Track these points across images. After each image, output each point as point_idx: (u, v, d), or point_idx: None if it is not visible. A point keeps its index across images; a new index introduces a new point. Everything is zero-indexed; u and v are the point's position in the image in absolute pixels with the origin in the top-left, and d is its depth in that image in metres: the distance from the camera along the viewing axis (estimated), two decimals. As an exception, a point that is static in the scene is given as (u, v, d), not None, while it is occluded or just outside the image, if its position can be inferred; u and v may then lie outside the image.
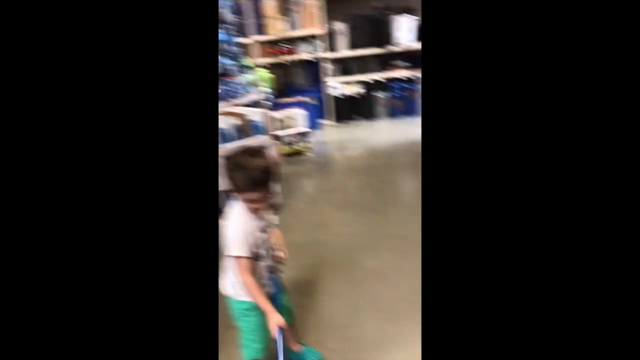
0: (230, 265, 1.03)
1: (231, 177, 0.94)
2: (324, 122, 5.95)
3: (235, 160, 0.94)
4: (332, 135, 5.21)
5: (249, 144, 1.04)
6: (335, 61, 5.76)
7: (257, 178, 0.91)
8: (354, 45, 5.49)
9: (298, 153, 4.18)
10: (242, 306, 1.05)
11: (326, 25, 5.45)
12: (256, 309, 1.03)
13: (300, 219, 2.45)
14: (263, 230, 1.04)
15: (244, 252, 0.97)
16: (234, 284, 1.04)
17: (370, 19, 5.29)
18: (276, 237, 1.12)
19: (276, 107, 4.97)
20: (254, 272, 1.01)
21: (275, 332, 0.98)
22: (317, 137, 4.75)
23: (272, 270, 1.10)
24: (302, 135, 4.18)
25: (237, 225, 0.99)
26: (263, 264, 1.05)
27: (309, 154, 4.13)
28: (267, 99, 4.56)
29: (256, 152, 0.96)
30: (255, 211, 1.00)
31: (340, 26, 5.48)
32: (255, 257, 1.01)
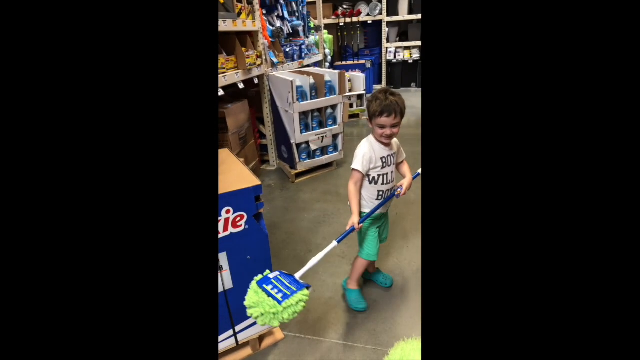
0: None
1: (369, 107, 1.25)
2: (379, 86, 5.99)
3: (374, 95, 1.25)
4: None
5: (385, 87, 1.27)
6: (395, 25, 5.69)
7: (386, 105, 1.19)
8: (414, 8, 5.38)
9: (356, 115, 4.36)
10: (361, 215, 1.35)
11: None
12: (371, 225, 1.36)
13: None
14: (388, 159, 1.29)
15: (357, 166, 1.26)
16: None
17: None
18: (405, 170, 1.37)
19: (335, 68, 5.10)
20: (361, 184, 1.30)
21: (348, 227, 1.26)
22: (372, 101, 4.81)
23: (385, 194, 1.34)
24: (359, 98, 4.32)
25: (362, 147, 1.28)
26: (381, 186, 1.31)
27: (365, 117, 4.30)
28: (327, 61, 4.70)
29: (388, 91, 1.24)
30: (383, 141, 1.26)
31: (403, -12, 5.36)
32: (366, 175, 1.28)
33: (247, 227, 1.08)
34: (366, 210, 1.34)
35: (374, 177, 1.31)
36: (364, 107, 4.30)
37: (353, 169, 1.29)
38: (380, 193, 1.33)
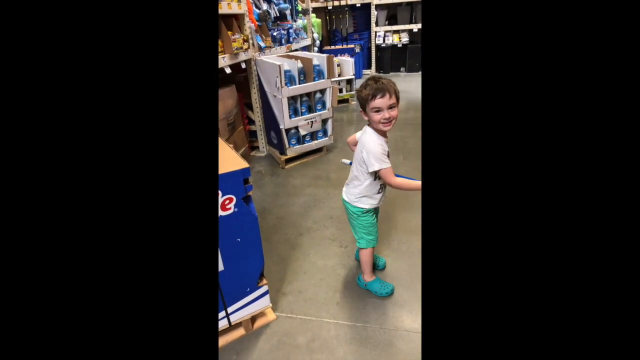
0: (353, 177, 1.31)
1: (360, 96, 1.16)
2: (368, 71, 5.96)
3: (363, 84, 1.18)
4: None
5: (374, 75, 1.18)
6: (384, 8, 5.62)
7: (378, 86, 1.13)
8: (403, -9, 5.32)
9: (345, 100, 4.34)
10: (357, 210, 1.35)
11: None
12: (369, 212, 1.35)
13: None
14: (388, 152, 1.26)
15: (384, 165, 1.18)
16: (351, 193, 1.34)
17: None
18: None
19: (324, 53, 5.04)
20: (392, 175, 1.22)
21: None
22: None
23: (385, 187, 1.33)
24: (349, 83, 4.30)
25: (372, 144, 1.19)
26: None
27: (354, 102, 4.29)
28: (316, 45, 4.63)
29: (378, 77, 1.18)
30: (382, 127, 1.17)
31: (391, -30, 5.27)
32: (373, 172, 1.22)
33: (236, 209, 1.09)
34: (372, 204, 1.34)
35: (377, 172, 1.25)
36: (353, 92, 4.29)
37: (381, 170, 1.20)
38: (382, 186, 1.33)
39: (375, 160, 1.20)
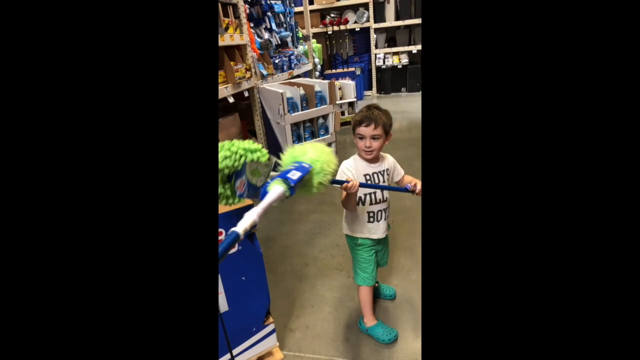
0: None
1: (353, 120, 1.21)
2: (369, 92, 6.03)
3: (360, 110, 1.21)
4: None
5: (371, 104, 1.23)
6: (382, 31, 5.74)
7: (368, 115, 1.15)
8: (401, 14, 5.43)
9: (347, 123, 4.37)
10: (349, 239, 1.32)
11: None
12: (363, 246, 1.28)
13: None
14: (374, 176, 1.21)
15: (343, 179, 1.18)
16: (345, 221, 1.30)
17: (420, -13, 5.18)
18: (409, 179, 1.25)
19: (325, 77, 5.12)
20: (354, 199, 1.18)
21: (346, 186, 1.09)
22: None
23: (377, 216, 1.26)
24: (350, 105, 4.33)
25: (345, 162, 1.23)
26: (370, 206, 1.23)
27: (356, 124, 4.31)
28: (317, 70, 4.71)
29: (374, 106, 1.20)
30: (364, 156, 1.19)
31: (389, -5, 5.42)
32: (348, 194, 1.14)
33: (240, 248, 1.06)
34: (363, 235, 1.28)
35: (360, 197, 1.23)
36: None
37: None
38: (371, 215, 1.25)
39: (338, 175, 1.20)
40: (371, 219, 1.26)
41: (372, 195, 1.24)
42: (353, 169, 1.22)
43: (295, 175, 0.74)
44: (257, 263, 1.12)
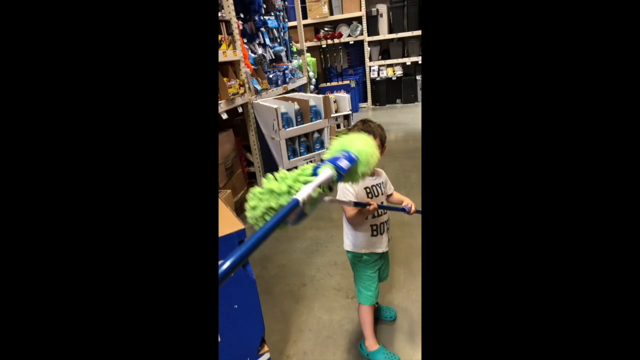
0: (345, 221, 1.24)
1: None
2: (365, 104, 6.04)
3: (352, 126, 1.19)
4: (373, 118, 5.30)
5: (364, 118, 1.24)
6: (376, 44, 5.79)
7: (365, 128, 1.15)
8: (394, 28, 5.48)
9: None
10: (350, 255, 1.28)
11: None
12: (367, 261, 1.25)
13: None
14: (374, 189, 1.20)
15: (344, 197, 1.16)
16: (348, 238, 1.26)
17: (410, 0, 5.24)
18: (399, 198, 1.29)
19: (320, 90, 5.13)
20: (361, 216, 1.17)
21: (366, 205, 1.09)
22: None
23: (380, 228, 1.24)
24: (346, 118, 4.33)
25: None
26: (373, 219, 1.21)
27: (352, 137, 4.29)
28: (312, 83, 4.72)
29: (367, 120, 1.21)
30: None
31: (381, 8, 5.48)
32: (361, 209, 1.15)
33: (232, 274, 1.01)
34: (367, 250, 1.25)
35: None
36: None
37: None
38: (375, 228, 1.23)
39: (340, 191, 1.18)
40: (374, 232, 1.24)
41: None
42: (354, 185, 1.19)
43: (343, 163, 0.77)
44: (250, 290, 1.07)
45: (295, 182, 0.74)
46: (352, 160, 0.78)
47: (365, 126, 1.17)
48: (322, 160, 0.79)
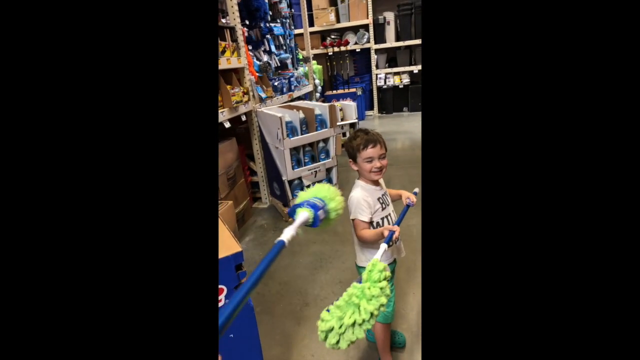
0: (354, 236, 1.19)
1: (350, 147, 1.16)
2: (371, 113, 5.97)
3: (352, 135, 1.18)
4: (380, 126, 5.22)
5: (363, 128, 1.20)
6: (383, 51, 5.73)
7: (369, 137, 1.13)
8: (401, 35, 5.43)
9: (348, 144, 4.28)
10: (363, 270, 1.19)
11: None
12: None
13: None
14: (384, 198, 1.18)
15: (358, 215, 1.13)
16: (364, 254, 1.19)
17: (417, 8, 5.19)
18: (396, 192, 1.26)
19: (326, 98, 5.07)
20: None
21: (386, 233, 1.04)
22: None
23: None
24: (352, 126, 4.25)
25: (355, 194, 1.15)
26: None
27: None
28: (318, 91, 4.66)
29: (366, 129, 1.18)
30: (373, 177, 1.15)
31: (388, 16, 5.43)
32: (369, 223, 1.15)
33: (227, 301, 0.92)
34: (386, 261, 1.18)
35: (378, 222, 1.16)
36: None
37: (354, 220, 1.14)
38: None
39: (353, 208, 1.16)
40: (391, 243, 1.16)
41: (388, 218, 1.19)
42: (369, 198, 1.15)
43: (318, 203, 0.82)
44: (248, 318, 0.98)
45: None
46: (323, 203, 0.84)
47: (368, 136, 1.15)
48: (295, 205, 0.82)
